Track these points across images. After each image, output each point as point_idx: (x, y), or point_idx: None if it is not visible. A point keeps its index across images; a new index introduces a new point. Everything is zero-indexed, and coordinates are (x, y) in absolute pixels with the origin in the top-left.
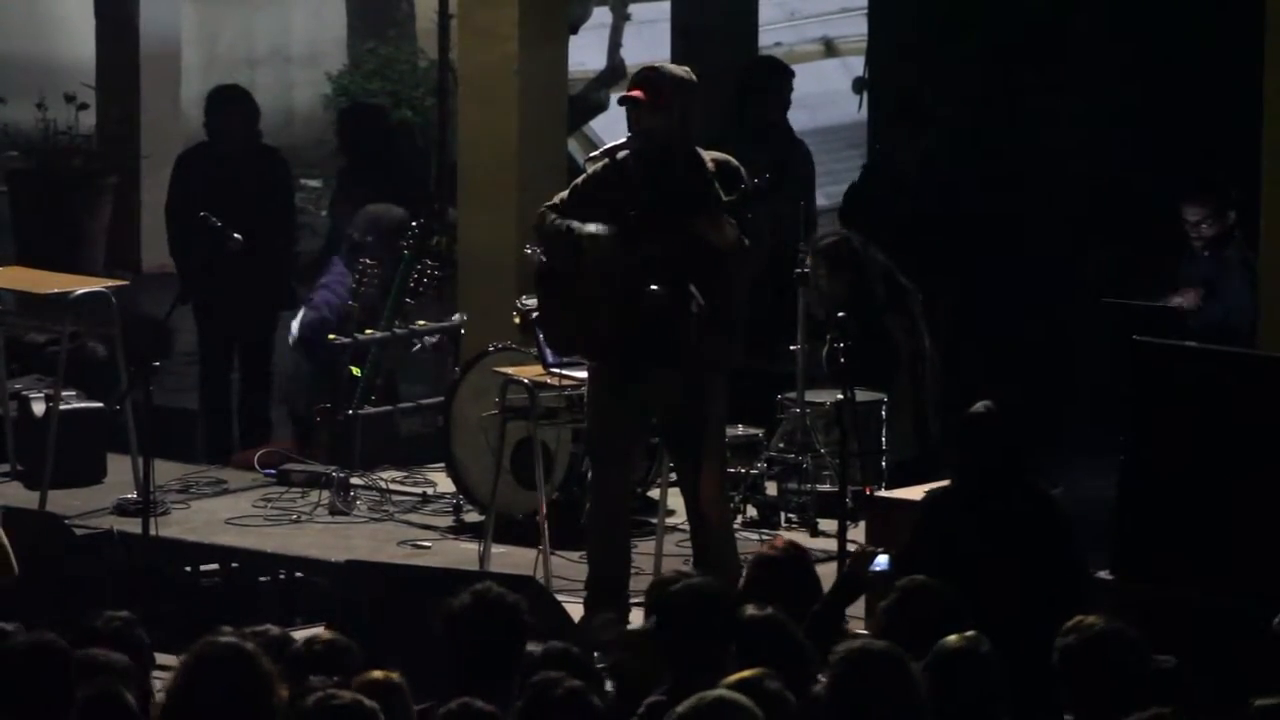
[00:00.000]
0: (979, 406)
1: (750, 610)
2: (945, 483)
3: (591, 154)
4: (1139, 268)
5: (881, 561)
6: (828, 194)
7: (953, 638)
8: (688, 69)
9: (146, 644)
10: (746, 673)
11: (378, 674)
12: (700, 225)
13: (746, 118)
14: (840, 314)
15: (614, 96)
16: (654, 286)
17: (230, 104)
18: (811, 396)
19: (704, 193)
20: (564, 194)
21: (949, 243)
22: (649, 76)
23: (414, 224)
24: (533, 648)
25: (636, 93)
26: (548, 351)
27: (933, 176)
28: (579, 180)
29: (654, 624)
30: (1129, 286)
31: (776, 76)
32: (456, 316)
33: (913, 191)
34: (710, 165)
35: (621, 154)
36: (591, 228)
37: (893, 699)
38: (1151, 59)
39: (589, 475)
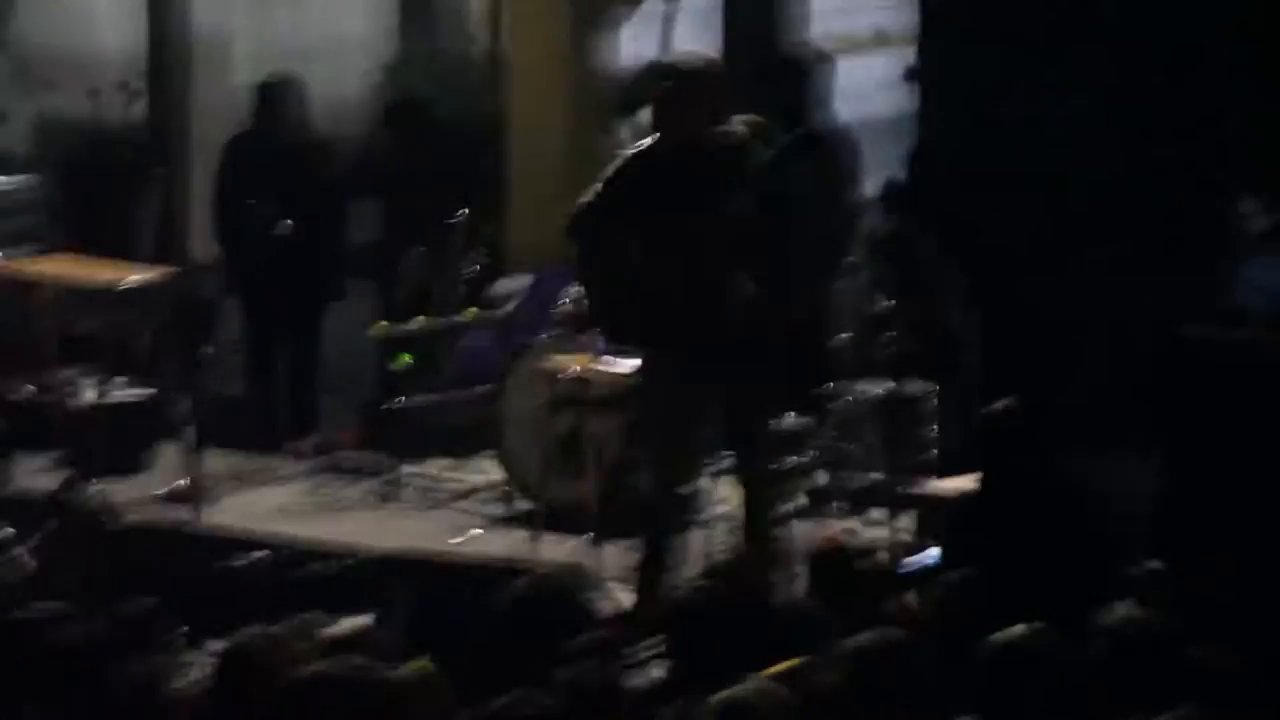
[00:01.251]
0: (1001, 404)
1: (788, 600)
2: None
3: (640, 142)
4: (1145, 266)
5: (932, 554)
6: (875, 185)
7: (1014, 629)
8: (709, 58)
9: (175, 631)
10: (789, 662)
11: (415, 666)
12: (727, 204)
13: (782, 108)
14: (890, 303)
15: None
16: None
17: (281, 93)
18: (862, 386)
19: (730, 172)
20: (597, 188)
21: (959, 240)
22: (677, 75)
23: (457, 214)
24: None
25: (670, 96)
26: (598, 340)
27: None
28: (608, 173)
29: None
30: (1143, 282)
31: (809, 66)
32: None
33: (932, 180)
34: (740, 129)
35: (646, 143)
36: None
37: (903, 688)
38: (1156, 57)
39: (644, 460)
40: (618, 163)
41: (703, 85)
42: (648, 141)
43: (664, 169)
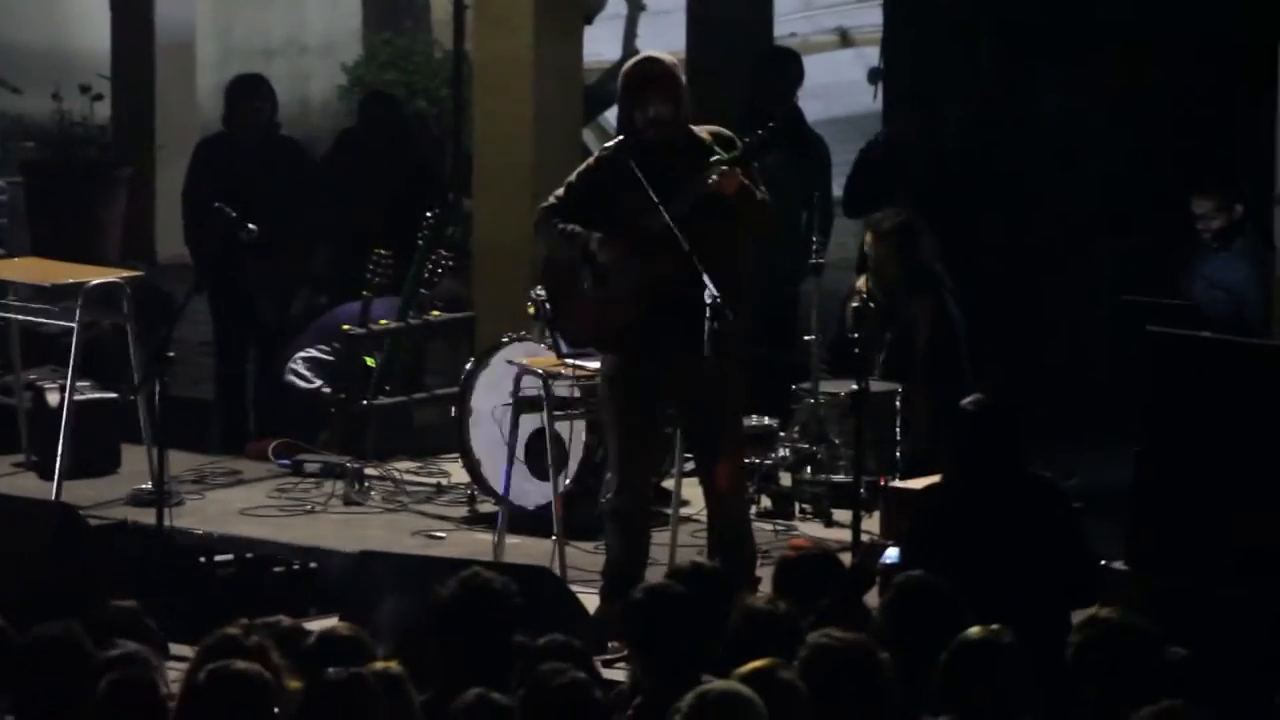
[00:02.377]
0: (971, 400)
1: (755, 603)
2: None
3: (606, 144)
4: (1150, 260)
5: (891, 554)
6: (842, 185)
7: (975, 629)
8: (671, 58)
9: (155, 633)
10: (758, 663)
11: (377, 665)
12: (711, 183)
13: (756, 109)
14: (855, 305)
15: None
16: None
17: (250, 93)
18: (826, 387)
19: (698, 163)
20: (560, 191)
21: (958, 235)
22: (652, 71)
23: (429, 214)
24: (527, 639)
25: (660, 96)
26: (562, 342)
27: (942, 167)
28: (573, 177)
29: (625, 635)
30: (1139, 279)
31: (783, 66)
32: None
33: (919, 180)
34: (706, 137)
35: (612, 145)
36: (597, 236)
37: (860, 690)
38: (1164, 51)
39: (605, 465)
40: (586, 164)
41: (669, 87)
42: (614, 144)
43: (629, 171)
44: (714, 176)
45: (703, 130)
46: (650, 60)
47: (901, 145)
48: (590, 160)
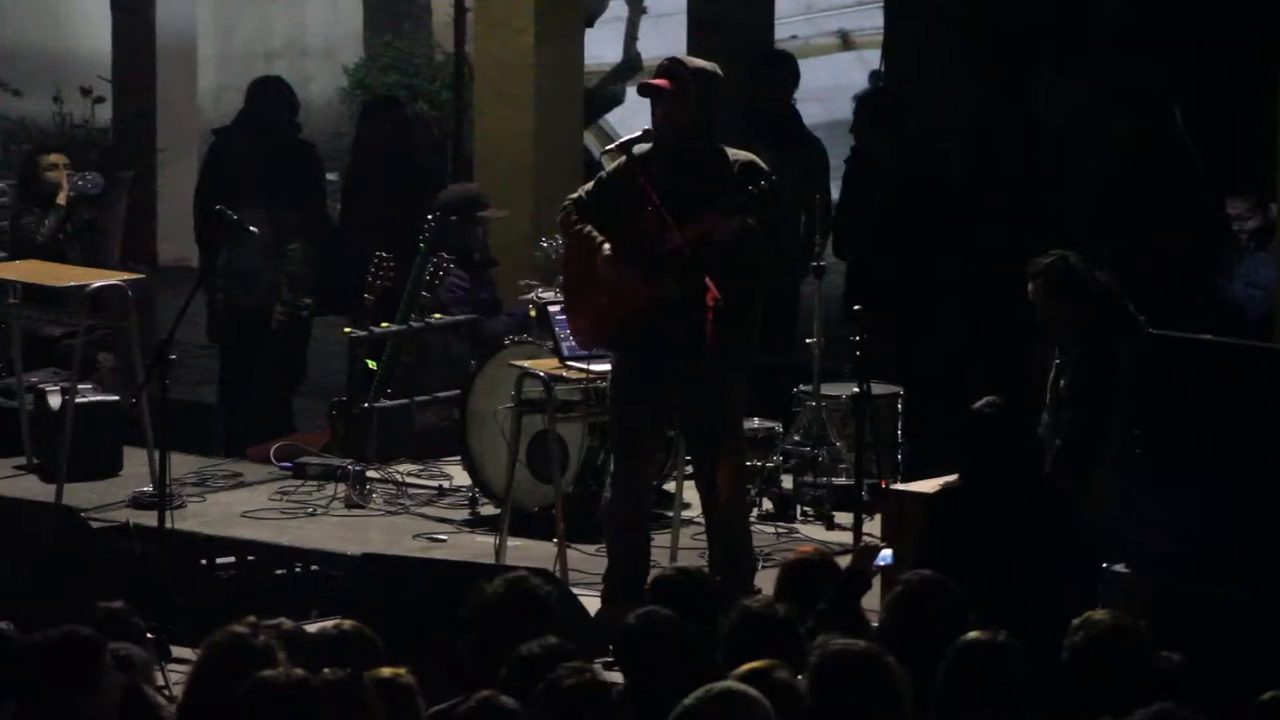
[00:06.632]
0: (983, 403)
1: (753, 604)
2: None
3: (608, 147)
4: (1151, 263)
5: (886, 556)
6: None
7: (974, 632)
8: (713, 64)
9: (144, 632)
10: (757, 663)
11: (387, 671)
12: (707, 223)
13: (754, 111)
14: (856, 307)
15: (630, 89)
16: (673, 278)
17: (273, 97)
18: (828, 390)
19: (721, 187)
20: (588, 186)
21: (965, 238)
22: (669, 66)
23: (429, 218)
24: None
25: (660, 81)
26: (564, 344)
27: (947, 170)
28: (603, 174)
29: (618, 663)
30: (1140, 281)
31: (779, 68)
32: None
33: (903, 187)
34: (735, 165)
35: (639, 148)
36: (608, 248)
37: (872, 698)
38: (1169, 51)
39: (610, 469)
40: (616, 164)
41: (680, 86)
42: (637, 140)
43: (659, 169)
44: (715, 218)
45: (735, 154)
46: (671, 59)
47: (870, 155)
48: (621, 160)
